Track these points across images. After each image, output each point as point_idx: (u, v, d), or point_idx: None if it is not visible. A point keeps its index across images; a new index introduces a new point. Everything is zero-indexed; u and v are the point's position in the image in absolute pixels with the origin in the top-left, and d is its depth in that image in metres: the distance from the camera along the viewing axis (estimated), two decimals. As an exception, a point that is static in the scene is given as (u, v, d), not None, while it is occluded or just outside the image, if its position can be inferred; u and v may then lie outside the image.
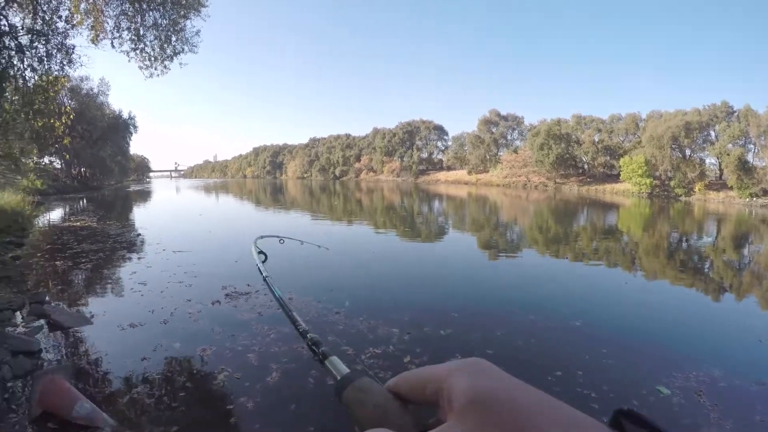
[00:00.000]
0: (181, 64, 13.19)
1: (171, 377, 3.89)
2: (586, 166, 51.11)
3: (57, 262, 8.57)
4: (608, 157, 47.82)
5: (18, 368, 3.82)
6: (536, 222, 16.80)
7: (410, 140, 76.31)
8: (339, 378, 0.39)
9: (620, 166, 42.33)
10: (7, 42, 10.34)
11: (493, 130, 63.05)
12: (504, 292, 6.61)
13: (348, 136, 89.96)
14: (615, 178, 45.42)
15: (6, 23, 10.34)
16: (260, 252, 1.14)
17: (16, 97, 11.56)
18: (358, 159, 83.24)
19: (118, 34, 11.62)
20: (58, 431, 3.02)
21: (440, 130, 75.79)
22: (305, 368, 3.86)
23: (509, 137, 63.52)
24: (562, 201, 29.29)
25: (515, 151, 57.51)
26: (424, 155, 75.39)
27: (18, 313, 5.42)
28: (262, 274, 0.92)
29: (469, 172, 63.20)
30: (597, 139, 49.04)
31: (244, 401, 3.43)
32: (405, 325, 4.80)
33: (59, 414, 3.16)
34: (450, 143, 74.62)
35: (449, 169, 71.66)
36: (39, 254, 9.38)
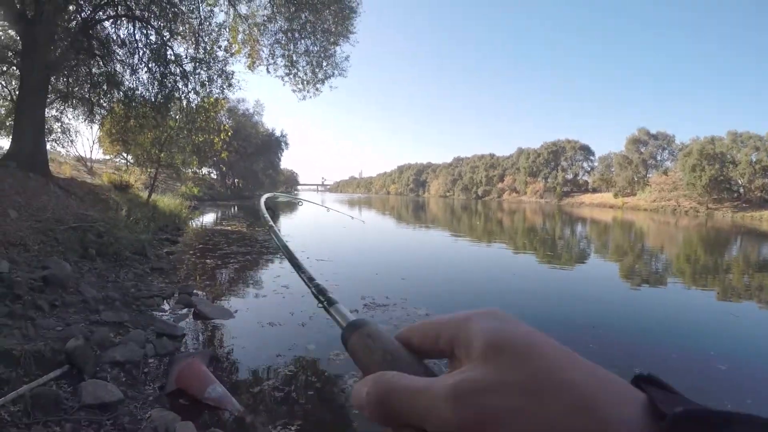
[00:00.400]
0: (331, 87, 17.93)
1: (301, 376, 4.76)
2: (741, 190, 59.67)
3: (207, 260, 11.18)
4: (767, 180, 55.91)
5: (161, 348, 5.11)
6: (684, 252, 19.56)
7: (555, 160, 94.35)
8: (345, 325, 0.47)
9: (781, 190, 48.87)
10: (173, 69, 15.40)
11: (642, 149, 76.36)
12: (648, 324, 7.71)
13: (492, 155, 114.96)
14: (775, 203, 53.66)
15: (172, 53, 15.45)
16: (268, 208, 1.39)
17: (180, 116, 17.02)
18: (501, 179, 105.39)
19: (272, 61, 16.98)
20: (188, 407, 3.94)
21: (586, 150, 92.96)
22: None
23: (659, 158, 76.59)
24: (713, 229, 34.36)
25: (665, 173, 69.34)
26: (569, 176, 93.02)
27: (167, 301, 7.25)
28: (268, 222, 1.13)
29: (615, 195, 76.40)
30: (755, 159, 56.94)
31: None
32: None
33: (192, 393, 4.12)
34: (596, 164, 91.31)
35: (594, 191, 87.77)
36: (191, 252, 12.40)
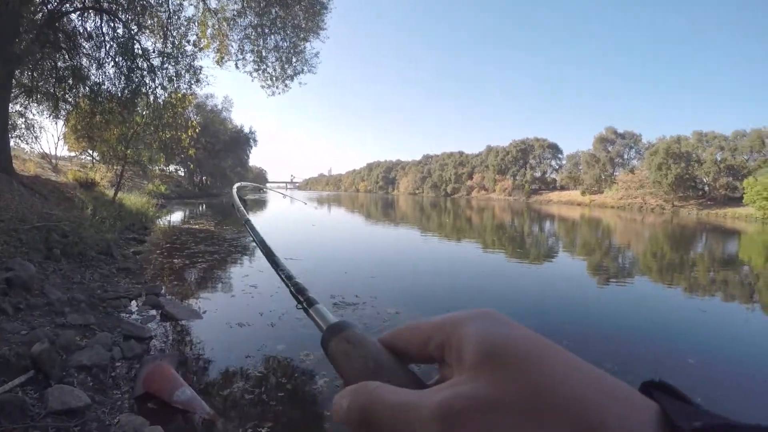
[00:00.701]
0: (300, 83, 18.15)
1: (271, 377, 4.81)
2: (706, 188, 62.28)
3: (174, 260, 11.04)
4: (731, 178, 58.55)
5: (128, 351, 5.08)
6: (651, 248, 20.11)
7: (523, 158, 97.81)
8: (325, 328, 0.44)
9: (744, 188, 50.01)
10: (140, 63, 15.28)
11: (609, 148, 79.14)
12: (614, 320, 7.95)
13: (461, 153, 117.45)
14: (737, 201, 53.86)
15: (139, 47, 15.25)
16: (242, 199, 1.31)
17: (147, 112, 16.81)
18: (470, 176, 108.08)
19: (241, 56, 16.95)
20: (157, 411, 3.94)
21: (554, 149, 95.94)
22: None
23: (626, 156, 79.51)
24: (679, 226, 35.47)
25: (631, 171, 70.73)
26: (537, 174, 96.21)
27: (134, 302, 7.15)
28: (244, 216, 1.09)
29: (583, 193, 78.14)
30: (719, 158, 59.99)
31: None
32: None
33: (161, 396, 4.12)
34: (564, 162, 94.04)
35: (562, 189, 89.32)
36: (158, 251, 12.22)
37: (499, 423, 0.24)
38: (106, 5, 14.57)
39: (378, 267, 11.84)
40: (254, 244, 0.86)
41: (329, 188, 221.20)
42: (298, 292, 0.57)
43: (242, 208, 1.17)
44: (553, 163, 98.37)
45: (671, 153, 60.45)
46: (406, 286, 9.76)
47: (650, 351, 6.33)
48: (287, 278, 0.61)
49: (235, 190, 1.43)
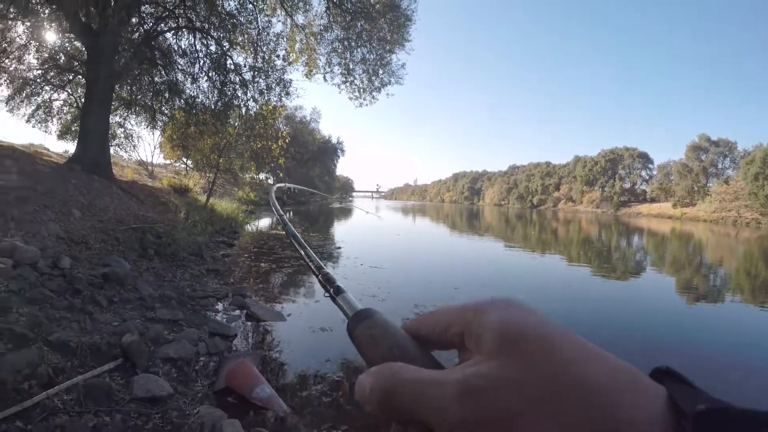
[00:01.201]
0: (388, 94, 18.40)
1: (349, 382, 4.72)
2: None
3: (261, 264, 11.41)
4: None
5: (212, 347, 5.21)
6: (744, 266, 18.93)
7: (612, 169, 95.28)
8: (351, 315, 0.46)
9: None
10: (232, 78, 16.18)
11: (702, 157, 76.01)
12: (709, 340, 7.66)
13: (548, 163, 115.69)
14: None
15: (232, 62, 16.23)
16: (279, 199, 1.48)
17: (239, 123, 17.97)
18: (557, 188, 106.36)
19: (329, 69, 17.53)
20: (236, 406, 3.98)
21: (644, 158, 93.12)
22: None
23: (720, 166, 75.79)
24: None
25: (726, 182, 68.83)
26: (627, 185, 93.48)
27: (221, 301, 7.42)
28: (278, 211, 1.17)
29: (674, 205, 76.31)
30: None
31: None
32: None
33: (241, 392, 4.16)
34: (655, 172, 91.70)
35: (653, 201, 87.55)
36: (246, 255, 12.71)
37: (514, 400, 0.26)
38: (198, 24, 15.58)
39: (461, 278, 11.61)
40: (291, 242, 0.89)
41: (415, 198, 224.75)
42: (327, 281, 0.58)
43: (276, 204, 1.26)
44: (643, 173, 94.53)
45: None
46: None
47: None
48: (317, 268, 0.63)
49: (273, 191, 1.55)
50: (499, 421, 0.26)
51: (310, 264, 0.66)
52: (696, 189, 73.95)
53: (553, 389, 0.26)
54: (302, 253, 0.72)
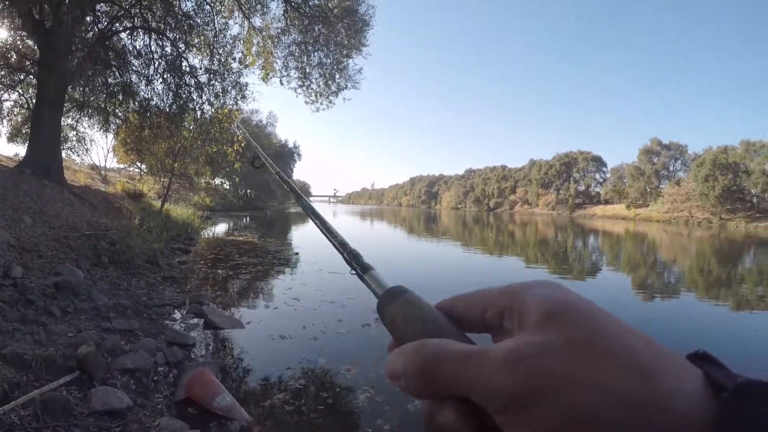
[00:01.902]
0: (344, 99, 18.58)
1: (312, 389, 4.80)
2: (755, 200, 61.31)
3: (218, 271, 11.28)
4: None
5: (171, 356, 5.17)
6: (697, 263, 19.88)
7: (567, 172, 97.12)
8: (382, 293, 0.46)
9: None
10: (188, 80, 15.98)
11: (654, 160, 78.35)
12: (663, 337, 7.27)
13: (504, 167, 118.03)
14: (790, 213, 53.44)
15: (187, 64, 16.05)
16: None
17: (194, 126, 17.57)
18: (513, 191, 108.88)
19: (286, 73, 17.46)
20: (197, 416, 3.98)
21: (598, 161, 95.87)
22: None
23: (671, 168, 78.62)
24: (726, 240, 34.81)
25: (677, 184, 70.28)
26: (581, 188, 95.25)
27: (178, 310, 7.33)
28: (295, 189, 1.10)
29: (628, 207, 77.72)
30: None
31: (381, 423, 4.19)
32: None
33: (201, 402, 4.15)
34: (608, 175, 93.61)
35: (607, 202, 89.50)
36: (203, 262, 12.53)
37: (559, 366, 0.27)
38: (154, 25, 15.30)
39: (421, 282, 11.59)
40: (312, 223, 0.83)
41: (372, 202, 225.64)
42: (352, 258, 0.58)
43: (294, 186, 1.18)
44: (597, 176, 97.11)
45: (718, 164, 59.02)
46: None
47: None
48: (341, 245, 0.63)
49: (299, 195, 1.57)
50: (544, 387, 0.27)
51: (333, 241, 0.65)
52: (649, 191, 76.04)
53: (596, 356, 0.27)
54: (323, 229, 0.71)
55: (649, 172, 76.74)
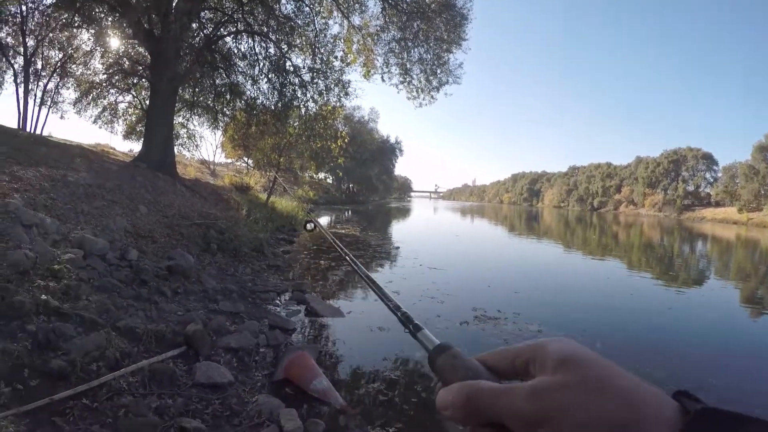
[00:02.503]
0: (446, 94, 18.27)
1: (405, 382, 4.77)
2: None
3: (320, 261, 11.62)
4: None
5: (272, 339, 5.32)
6: None
7: (675, 170, 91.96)
8: (432, 348, 0.55)
9: None
10: (291, 79, 16.48)
11: None
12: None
13: (609, 164, 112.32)
14: None
15: (290, 64, 16.57)
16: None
17: (299, 123, 18.30)
18: (618, 190, 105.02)
19: (387, 69, 17.43)
20: (293, 396, 4.06)
21: (709, 159, 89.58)
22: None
23: None
24: None
25: None
26: (690, 188, 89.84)
27: (281, 296, 7.60)
28: (343, 250, 1.27)
29: (740, 210, 71.89)
30: None
31: None
32: (655, 382, 4.80)
33: (299, 383, 4.22)
34: (719, 174, 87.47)
35: (717, 204, 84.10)
36: (305, 252, 13.03)
37: (567, 398, 0.36)
38: (257, 28, 16.04)
39: (521, 282, 11.34)
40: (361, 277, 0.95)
41: (473, 199, 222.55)
42: (406, 319, 0.66)
43: (340, 244, 1.37)
44: (708, 175, 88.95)
45: None
46: (549, 303, 9.35)
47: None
48: (395, 308, 0.70)
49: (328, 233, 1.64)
50: (555, 412, 0.36)
51: (388, 304, 0.73)
52: (763, 193, 69.01)
53: (594, 392, 0.36)
54: (379, 294, 0.79)
55: (764, 172, 68.83)
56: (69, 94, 18.46)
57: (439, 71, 17.38)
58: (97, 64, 17.52)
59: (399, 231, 26.42)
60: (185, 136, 21.61)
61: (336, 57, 16.60)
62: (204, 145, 55.05)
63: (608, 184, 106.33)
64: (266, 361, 4.75)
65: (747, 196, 70.04)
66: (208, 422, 3.23)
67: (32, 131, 17.28)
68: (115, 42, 16.34)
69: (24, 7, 15.71)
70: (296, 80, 16.36)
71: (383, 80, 17.39)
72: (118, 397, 3.12)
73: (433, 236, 24.05)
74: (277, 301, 7.34)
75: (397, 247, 15.89)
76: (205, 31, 15.96)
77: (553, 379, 0.39)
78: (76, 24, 14.35)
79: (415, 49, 16.98)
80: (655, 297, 11.32)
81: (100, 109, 19.10)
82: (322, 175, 52.87)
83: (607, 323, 8.18)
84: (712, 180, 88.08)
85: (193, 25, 15.09)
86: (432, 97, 17.68)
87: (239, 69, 17.11)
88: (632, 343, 7.15)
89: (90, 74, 17.71)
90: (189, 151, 23.51)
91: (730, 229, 52.07)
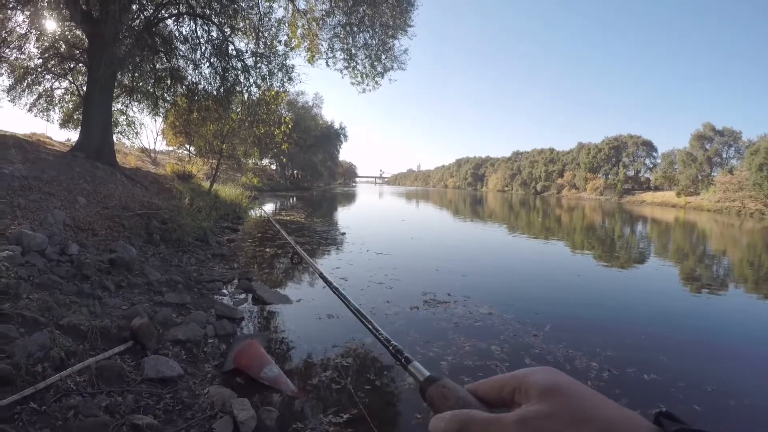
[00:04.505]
0: (390, 80, 18.22)
1: (358, 368, 4.79)
2: None
3: (266, 249, 11.47)
4: None
5: (220, 329, 5.28)
6: (747, 256, 18.93)
7: (616, 156, 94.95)
8: (423, 379, 0.58)
9: None
10: (234, 63, 16.01)
11: (707, 146, 75.36)
12: (716, 338, 7.26)
13: (551, 150, 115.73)
14: None
15: (233, 48, 16.03)
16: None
17: (242, 109, 17.89)
18: (560, 174, 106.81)
19: (331, 54, 17.16)
20: (244, 386, 4.06)
21: (649, 146, 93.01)
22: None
23: (724, 155, 74.98)
24: None
25: (730, 172, 65.98)
26: (630, 173, 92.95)
27: (227, 285, 7.50)
28: (331, 285, 1.32)
29: (678, 194, 74.78)
30: None
31: (427, 406, 4.17)
32: (605, 361, 5.53)
33: (249, 372, 4.22)
34: (659, 161, 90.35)
35: (656, 189, 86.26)
36: (250, 240, 12.81)
37: (551, 425, 0.39)
38: (199, 10, 15.42)
39: (469, 265, 11.43)
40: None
41: (418, 184, 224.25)
42: (397, 352, 0.70)
43: (333, 283, 1.40)
44: (647, 161, 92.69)
45: None
46: (498, 286, 9.55)
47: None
48: (386, 341, 0.74)
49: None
50: None
51: (379, 337, 0.77)
52: (700, 178, 72.47)
53: (575, 422, 0.39)
54: (369, 327, 0.84)
55: (701, 159, 73.05)
56: (2, 80, 17.16)
57: (383, 57, 17.31)
58: (32, 48, 16.21)
59: (345, 217, 26.26)
60: (125, 123, 20.59)
61: (280, 41, 16.27)
62: (144, 133, 52.95)
63: (551, 168, 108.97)
64: (215, 352, 4.71)
65: (685, 181, 73.68)
66: (160, 417, 3.19)
67: (-39, 121, 16.00)
68: (51, 24, 15.28)
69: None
70: (239, 65, 15.95)
71: (327, 65, 17.16)
72: (67, 398, 3.03)
73: (379, 221, 24.16)
74: (224, 291, 7.23)
75: (343, 233, 15.89)
76: (145, 13, 15.17)
77: (538, 408, 0.41)
78: (10, 5, 13.31)
79: (361, 35, 16.81)
80: (601, 277, 11.74)
81: (35, 97, 17.71)
82: (265, 162, 51.99)
83: (556, 304, 8.34)
84: (651, 166, 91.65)
85: (133, 7, 14.35)
86: (376, 82, 17.63)
87: (180, 53, 16.42)
88: (581, 324, 7.30)
89: (25, 59, 16.46)
90: (129, 139, 22.39)
91: (670, 212, 54.65)
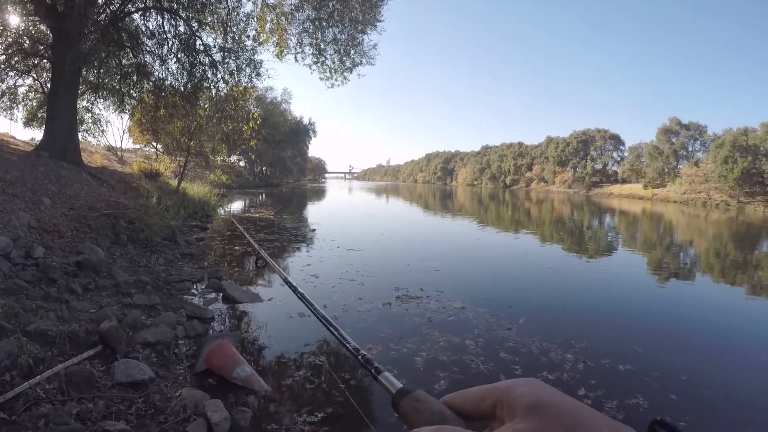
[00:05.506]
0: (359, 75, 18.06)
1: (332, 366, 4.76)
2: None
3: (236, 247, 11.33)
4: None
5: (191, 330, 5.22)
6: (713, 246, 19.38)
7: (584, 150, 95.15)
8: (395, 391, 0.54)
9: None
10: (202, 59, 15.71)
11: (673, 140, 76.44)
12: (689, 327, 7.36)
13: (520, 144, 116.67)
14: (812, 197, 51.35)
15: (201, 42, 15.73)
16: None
17: (209, 105, 17.51)
18: (529, 168, 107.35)
19: (300, 50, 16.94)
20: (217, 387, 4.04)
21: (616, 140, 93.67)
22: (474, 381, 4.51)
23: (690, 148, 76.58)
24: (744, 223, 33.49)
25: (696, 164, 68.06)
26: (598, 166, 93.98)
27: (197, 285, 7.40)
28: (297, 290, 1.28)
29: (645, 186, 75.86)
30: None
31: None
32: (580, 353, 5.57)
33: (221, 373, 4.20)
34: (626, 154, 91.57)
35: (624, 182, 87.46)
36: (219, 238, 12.62)
37: None
38: (166, 4, 15.08)
39: (441, 260, 11.44)
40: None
41: (387, 178, 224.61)
42: (366, 362, 0.66)
43: (299, 288, 1.38)
44: (615, 155, 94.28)
45: (738, 146, 56.58)
46: (470, 279, 9.55)
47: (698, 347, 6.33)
48: (354, 350, 0.71)
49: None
50: None
51: (348, 347, 0.74)
52: (666, 171, 74.01)
53: None
54: (336, 335, 0.81)
55: (668, 152, 74.56)
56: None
57: (353, 52, 17.18)
58: (-6, 43, 15.66)
59: (314, 213, 26.21)
60: (90, 121, 19.94)
61: (248, 36, 16.05)
62: (111, 131, 51.28)
63: (520, 162, 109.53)
64: (186, 353, 4.66)
65: (652, 174, 75.22)
66: (132, 423, 3.15)
67: None
68: (14, 19, 14.65)
69: None
70: (207, 60, 15.69)
71: (296, 60, 16.94)
72: (37, 407, 2.97)
73: (349, 217, 24.10)
74: (194, 290, 7.15)
75: (314, 230, 15.82)
76: (111, 7, 14.72)
77: (523, 426, 0.38)
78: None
79: (330, 30, 16.65)
80: (573, 269, 11.85)
81: (-3, 95, 17.17)
82: (234, 159, 51.38)
83: (529, 297, 8.42)
84: (618, 159, 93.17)
85: (99, 1, 13.92)
86: (345, 78, 17.49)
87: (147, 48, 16.08)
88: (555, 316, 7.37)
89: (-14, 55, 15.81)
90: (95, 137, 21.73)
91: (637, 204, 56.16)
